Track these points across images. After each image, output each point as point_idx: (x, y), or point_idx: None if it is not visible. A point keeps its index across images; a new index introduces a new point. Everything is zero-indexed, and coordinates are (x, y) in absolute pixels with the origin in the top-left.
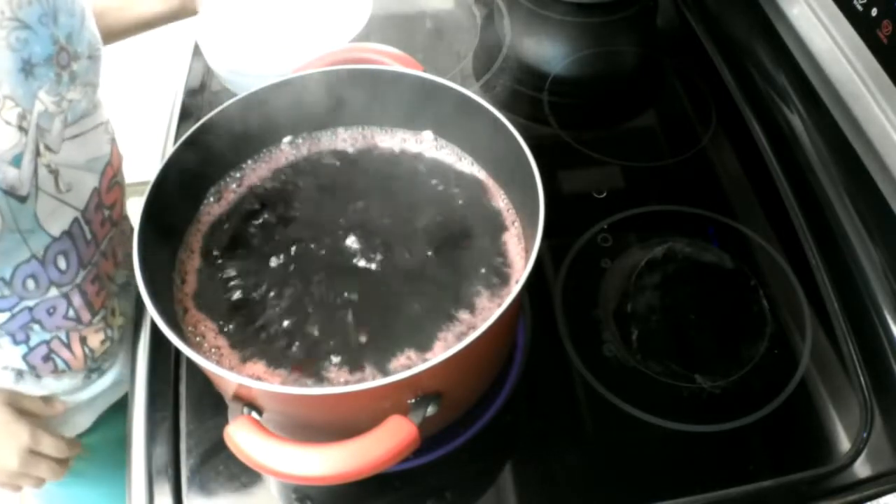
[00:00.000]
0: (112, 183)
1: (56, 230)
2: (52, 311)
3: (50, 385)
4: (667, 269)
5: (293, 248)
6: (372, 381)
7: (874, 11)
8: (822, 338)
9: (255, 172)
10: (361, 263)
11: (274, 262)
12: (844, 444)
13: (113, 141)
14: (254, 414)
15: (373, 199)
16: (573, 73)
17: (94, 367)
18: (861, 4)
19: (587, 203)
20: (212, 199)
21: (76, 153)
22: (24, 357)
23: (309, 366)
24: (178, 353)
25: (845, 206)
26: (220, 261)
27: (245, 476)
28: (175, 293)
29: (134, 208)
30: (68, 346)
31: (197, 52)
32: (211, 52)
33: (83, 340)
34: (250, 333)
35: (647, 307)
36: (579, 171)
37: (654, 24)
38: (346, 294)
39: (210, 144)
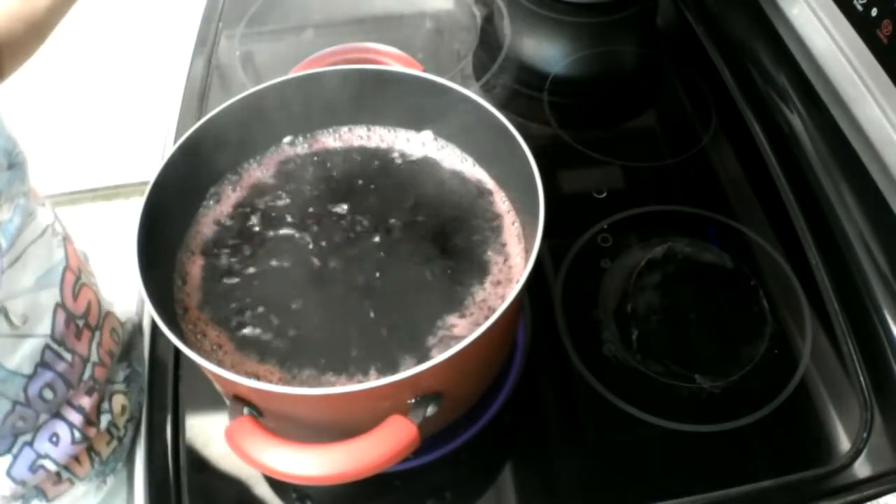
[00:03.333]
0: (77, 287)
1: (27, 367)
2: (55, 439)
3: (63, 500)
4: (667, 269)
5: (293, 249)
6: (372, 381)
7: (874, 11)
8: (822, 338)
9: (256, 172)
10: (361, 263)
11: (274, 262)
12: (844, 444)
13: (64, 240)
14: (254, 414)
15: (373, 200)
16: (573, 73)
17: (102, 470)
18: (861, 4)
19: (587, 203)
20: (212, 199)
21: (22, 278)
22: (26, 477)
23: (309, 365)
24: (178, 352)
25: (845, 206)
26: (220, 261)
27: (245, 476)
28: (175, 293)
29: (134, 208)
30: (75, 457)
31: (197, 50)
32: None
33: (90, 449)
34: (250, 333)
35: (647, 307)
36: (579, 171)
37: (654, 24)
38: (346, 294)
39: (210, 144)
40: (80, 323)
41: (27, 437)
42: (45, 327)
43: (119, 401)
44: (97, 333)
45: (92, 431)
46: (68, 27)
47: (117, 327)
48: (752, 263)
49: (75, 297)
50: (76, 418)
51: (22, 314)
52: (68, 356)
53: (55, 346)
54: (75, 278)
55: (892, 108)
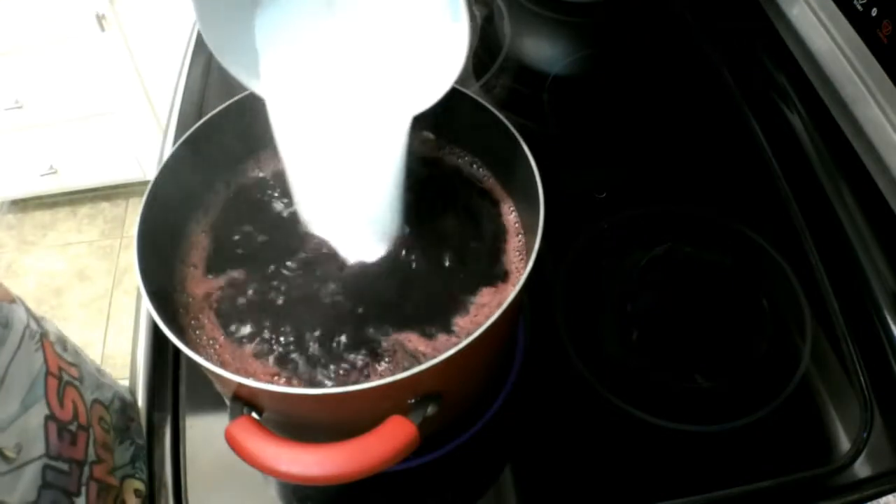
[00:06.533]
0: (62, 390)
1: (31, 494)
2: None
3: None
4: (667, 269)
5: (293, 248)
6: (372, 381)
7: (874, 11)
8: (822, 338)
9: (255, 172)
10: (359, 262)
11: (275, 262)
12: (844, 444)
13: (42, 337)
14: (254, 414)
15: None
16: (573, 73)
17: None
18: (861, 4)
19: (587, 203)
20: (211, 199)
21: (8, 407)
22: None
23: (309, 365)
24: (177, 352)
25: (845, 206)
26: (220, 261)
27: (245, 476)
28: (175, 293)
29: (134, 208)
30: None
31: (197, 50)
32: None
33: None
34: (251, 333)
35: (647, 307)
36: (579, 171)
37: (654, 24)
38: (346, 294)
39: (210, 144)
40: (73, 428)
41: None
42: (39, 448)
43: (131, 486)
44: (91, 431)
45: None
46: (68, 26)
47: (104, 415)
48: (752, 263)
49: (61, 403)
50: None
51: (15, 444)
52: (67, 466)
53: (54, 463)
54: (58, 381)
55: (892, 108)
